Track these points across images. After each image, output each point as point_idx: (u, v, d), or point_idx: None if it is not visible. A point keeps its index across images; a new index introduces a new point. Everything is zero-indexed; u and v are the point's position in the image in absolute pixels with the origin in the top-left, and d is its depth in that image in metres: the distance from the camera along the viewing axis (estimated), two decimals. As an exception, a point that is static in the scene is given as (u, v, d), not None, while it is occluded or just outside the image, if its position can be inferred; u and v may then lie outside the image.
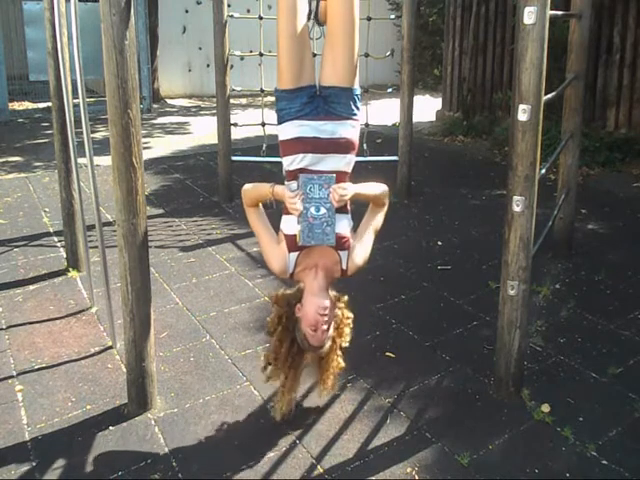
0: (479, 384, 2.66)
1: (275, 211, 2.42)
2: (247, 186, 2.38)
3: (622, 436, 2.33)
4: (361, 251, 2.31)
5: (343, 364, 2.42)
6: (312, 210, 2.17)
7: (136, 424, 2.40)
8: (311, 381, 2.59)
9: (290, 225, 2.25)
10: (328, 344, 2.28)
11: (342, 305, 2.37)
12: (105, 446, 2.28)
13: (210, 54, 6.42)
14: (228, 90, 5.02)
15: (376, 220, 2.39)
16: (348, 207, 2.33)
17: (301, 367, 2.35)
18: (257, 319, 3.23)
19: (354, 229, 2.36)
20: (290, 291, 2.36)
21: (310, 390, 2.56)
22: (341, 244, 2.26)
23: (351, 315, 2.39)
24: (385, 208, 2.40)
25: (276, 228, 2.35)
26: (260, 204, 2.40)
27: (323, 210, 2.17)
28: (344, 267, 2.29)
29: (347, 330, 2.38)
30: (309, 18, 2.41)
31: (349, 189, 2.19)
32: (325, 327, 2.19)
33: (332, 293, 2.34)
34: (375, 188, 2.36)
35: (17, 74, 9.69)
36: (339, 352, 2.39)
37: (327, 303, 2.20)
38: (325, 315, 2.18)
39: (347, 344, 2.40)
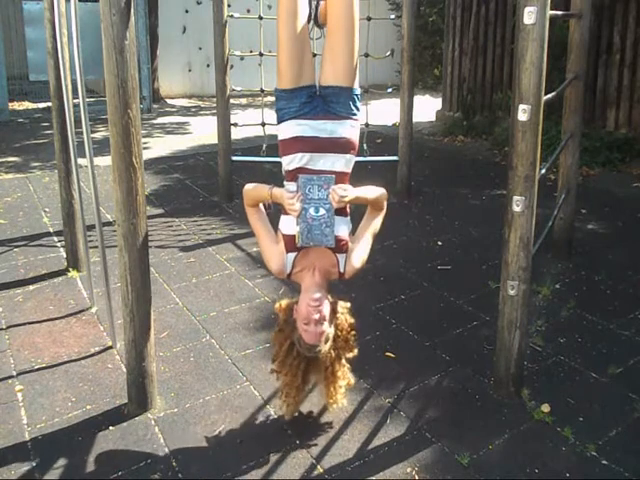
0: (479, 384, 2.66)
1: (275, 211, 2.42)
2: (248, 186, 2.38)
3: (622, 436, 2.33)
4: (359, 254, 2.30)
5: (353, 381, 2.39)
6: (311, 211, 2.16)
7: (136, 424, 2.40)
8: (311, 381, 2.60)
9: (289, 225, 2.25)
10: (326, 346, 2.23)
11: (344, 311, 2.32)
12: (105, 446, 2.28)
13: (210, 54, 6.42)
14: (228, 90, 5.02)
15: (374, 223, 2.38)
16: (347, 210, 2.33)
17: (300, 374, 2.29)
18: (257, 319, 3.23)
19: (352, 232, 2.36)
20: (294, 299, 2.34)
21: (310, 390, 2.56)
22: (339, 247, 2.25)
23: (353, 321, 2.34)
24: (383, 212, 2.39)
25: (276, 228, 2.35)
26: (260, 204, 2.40)
27: (322, 211, 2.16)
28: (341, 270, 2.29)
29: (352, 340, 2.33)
30: (309, 20, 2.41)
31: (349, 190, 2.18)
32: (317, 317, 2.14)
33: (333, 298, 2.32)
34: (374, 191, 2.34)
35: (17, 74, 9.70)
36: (346, 364, 2.35)
37: (318, 295, 2.18)
38: (317, 307, 2.15)
39: (353, 354, 2.35)
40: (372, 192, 2.33)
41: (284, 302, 2.35)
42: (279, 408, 2.42)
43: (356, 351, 2.36)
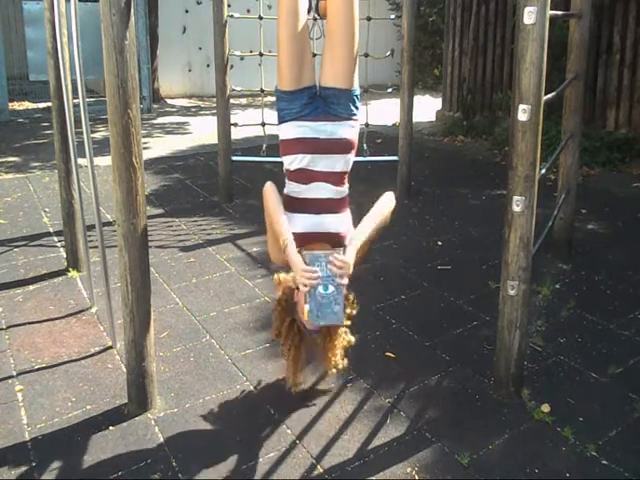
0: (479, 384, 2.66)
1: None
2: (270, 195, 2.29)
3: (622, 436, 2.32)
4: (359, 249, 2.32)
5: (352, 339, 2.44)
6: (320, 289, 2.13)
7: (136, 424, 2.40)
8: (312, 381, 2.60)
9: (290, 222, 2.27)
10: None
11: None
12: (105, 446, 2.27)
13: (210, 54, 6.41)
14: (228, 90, 5.02)
15: (379, 219, 2.39)
16: (346, 205, 2.34)
17: (303, 347, 2.40)
18: (257, 319, 3.23)
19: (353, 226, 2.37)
20: (293, 275, 2.36)
21: (310, 390, 2.56)
22: (340, 242, 2.27)
23: (351, 297, 2.42)
24: (390, 212, 2.43)
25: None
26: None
27: (331, 288, 2.13)
28: None
29: (350, 305, 2.39)
30: (309, 11, 2.41)
31: (349, 257, 2.17)
32: None
33: None
34: (376, 217, 2.34)
35: (17, 74, 9.70)
36: (345, 329, 2.40)
37: None
38: None
39: (354, 311, 2.42)
40: (375, 221, 2.33)
41: (282, 276, 2.40)
42: (289, 383, 2.48)
43: (355, 312, 2.43)
